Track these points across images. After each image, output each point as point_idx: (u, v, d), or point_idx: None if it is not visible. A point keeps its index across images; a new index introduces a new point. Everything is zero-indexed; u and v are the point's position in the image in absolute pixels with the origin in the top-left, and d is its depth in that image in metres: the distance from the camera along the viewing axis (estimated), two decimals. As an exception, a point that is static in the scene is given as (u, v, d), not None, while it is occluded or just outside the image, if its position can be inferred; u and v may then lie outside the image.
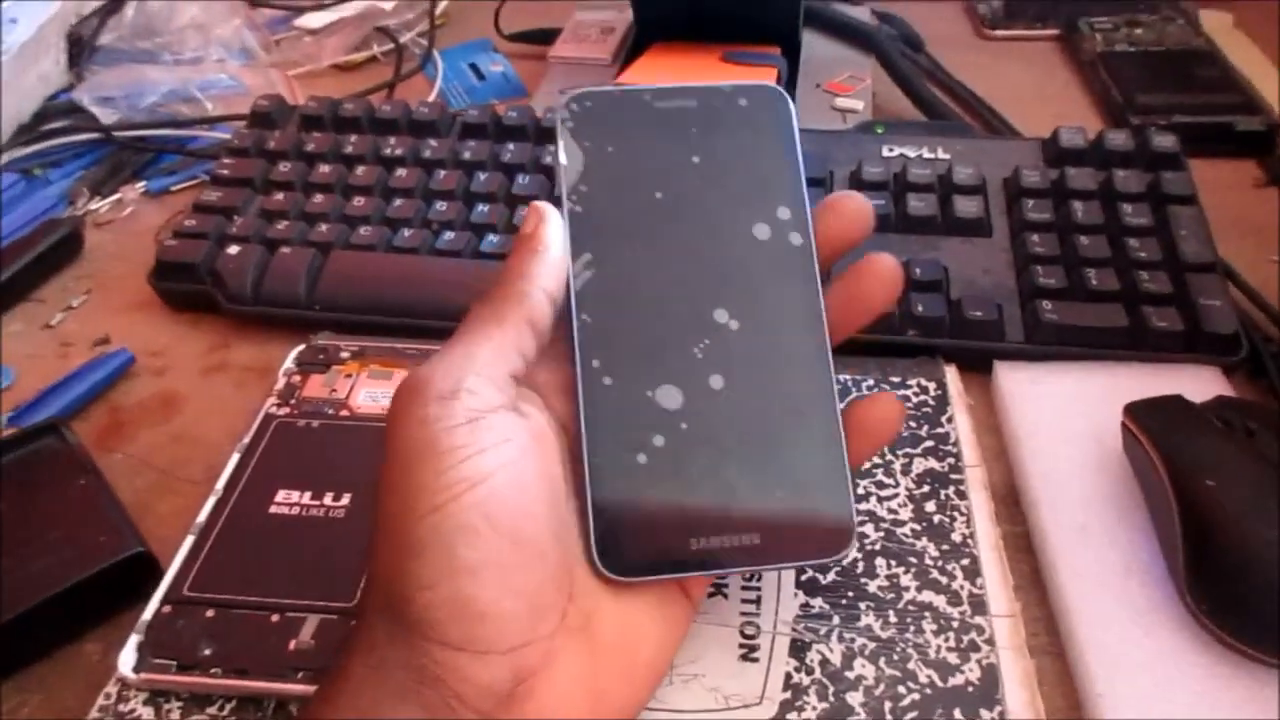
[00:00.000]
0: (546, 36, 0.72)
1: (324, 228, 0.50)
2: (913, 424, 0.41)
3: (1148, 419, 0.37)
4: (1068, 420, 0.40)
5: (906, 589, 0.35)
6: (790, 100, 0.33)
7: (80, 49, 0.68)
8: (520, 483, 0.27)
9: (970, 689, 0.32)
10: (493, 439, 0.26)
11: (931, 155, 0.53)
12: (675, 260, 0.31)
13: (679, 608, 0.30)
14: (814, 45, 0.66)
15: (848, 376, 0.43)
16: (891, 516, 0.37)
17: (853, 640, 0.33)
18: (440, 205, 0.51)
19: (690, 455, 0.29)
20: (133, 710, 0.33)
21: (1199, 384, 0.41)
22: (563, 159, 0.31)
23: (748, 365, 0.30)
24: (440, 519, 0.25)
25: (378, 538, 0.26)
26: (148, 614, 0.34)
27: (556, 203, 0.31)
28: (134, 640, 0.34)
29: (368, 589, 0.26)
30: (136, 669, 0.33)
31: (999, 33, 0.73)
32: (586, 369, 0.29)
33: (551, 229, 0.30)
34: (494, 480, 0.26)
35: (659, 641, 0.29)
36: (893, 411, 0.31)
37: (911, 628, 0.34)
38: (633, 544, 0.28)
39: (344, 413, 0.42)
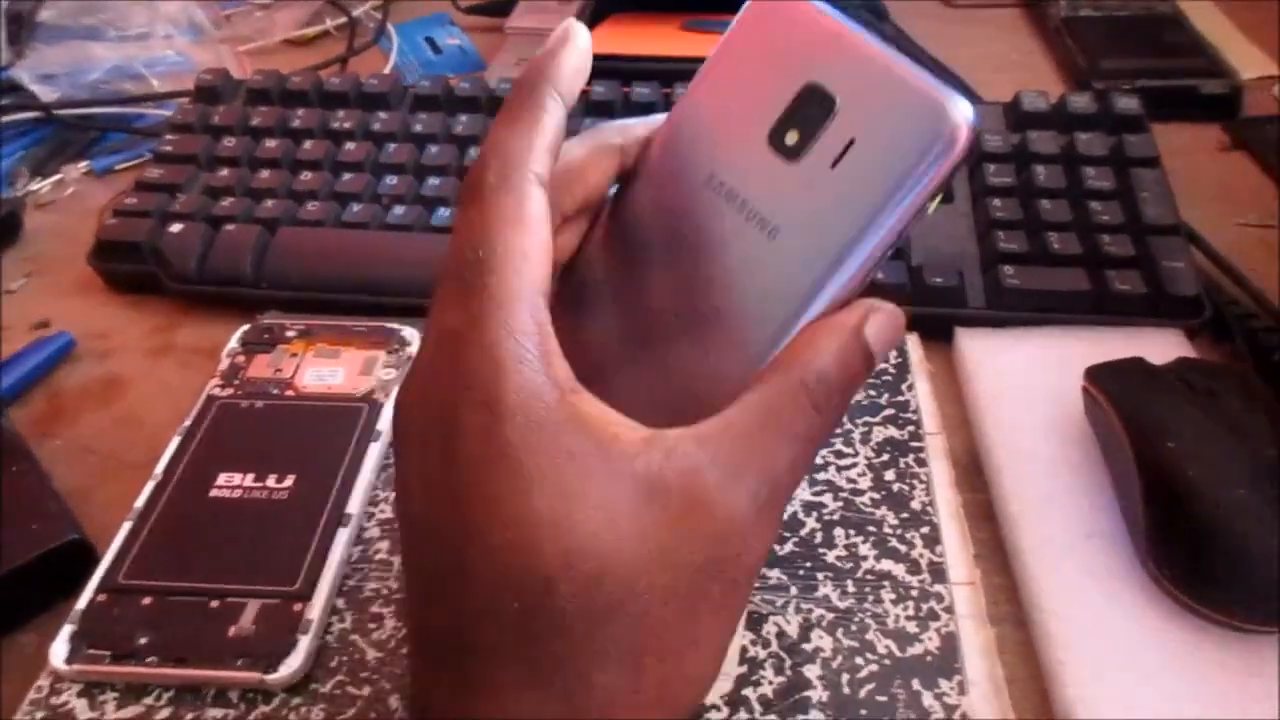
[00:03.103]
0: (504, 8, 0.70)
1: (270, 204, 0.49)
2: (873, 392, 0.40)
3: (1109, 382, 0.36)
4: (1030, 386, 0.40)
5: (865, 558, 0.34)
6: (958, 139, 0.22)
7: (20, 26, 0.66)
8: None
9: (929, 658, 0.31)
10: None
11: (893, 121, 0.52)
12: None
13: None
14: (776, 13, 0.65)
15: (808, 346, 0.42)
16: (850, 486, 0.37)
17: (810, 611, 0.33)
18: (391, 179, 0.50)
19: None
20: (66, 703, 0.31)
21: (1162, 347, 0.40)
22: None
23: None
24: None
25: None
26: (81, 603, 0.33)
27: None
28: (67, 630, 0.32)
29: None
30: (69, 660, 0.31)
31: (964, 0, 0.72)
32: None
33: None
34: None
35: None
36: None
37: (870, 597, 0.33)
38: None
39: (289, 392, 0.41)
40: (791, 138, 0.24)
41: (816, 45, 0.24)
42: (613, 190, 0.27)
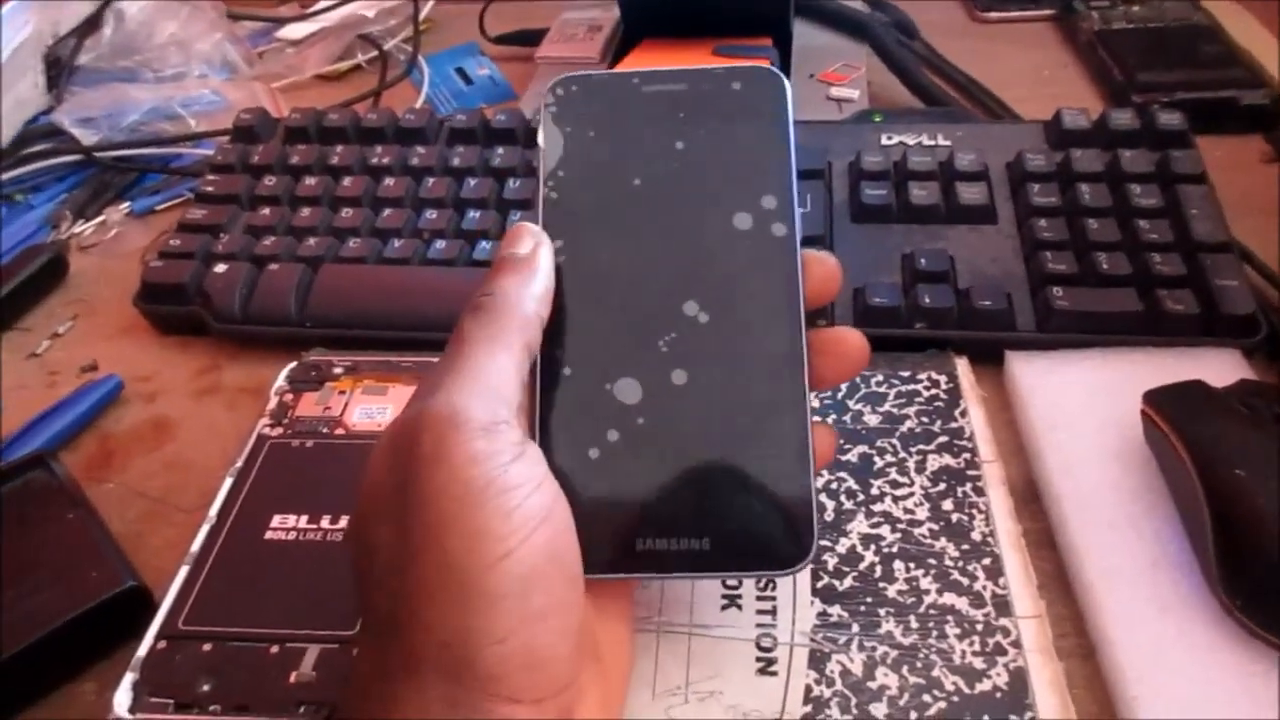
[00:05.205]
0: (533, 37, 0.70)
1: (312, 242, 0.49)
2: (925, 419, 0.40)
3: (1169, 407, 0.35)
4: (1085, 410, 0.39)
5: (927, 592, 0.34)
6: (787, 82, 0.31)
7: (59, 70, 0.67)
8: (565, 515, 0.26)
9: (998, 695, 0.31)
10: (541, 470, 0.25)
11: (931, 142, 0.52)
12: (648, 250, 0.29)
13: (628, 602, 0.30)
14: (806, 35, 0.65)
15: (856, 373, 0.42)
16: (908, 516, 0.36)
17: (874, 649, 0.32)
18: (430, 213, 0.50)
19: (644, 453, 0.28)
20: (130, 751, 0.31)
21: (1218, 367, 0.40)
22: (542, 144, 0.31)
23: (714, 361, 0.28)
24: (512, 564, 0.23)
25: (433, 592, 0.23)
26: (142, 650, 0.33)
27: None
28: (129, 679, 0.32)
29: (413, 648, 0.23)
30: (132, 709, 0.32)
31: (993, 15, 0.71)
32: (545, 358, 0.28)
33: (545, 253, 0.29)
34: (554, 516, 0.25)
35: (631, 644, 0.29)
36: (854, 340, 0.30)
37: (934, 633, 0.32)
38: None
39: (339, 430, 0.41)
40: None
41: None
42: None
